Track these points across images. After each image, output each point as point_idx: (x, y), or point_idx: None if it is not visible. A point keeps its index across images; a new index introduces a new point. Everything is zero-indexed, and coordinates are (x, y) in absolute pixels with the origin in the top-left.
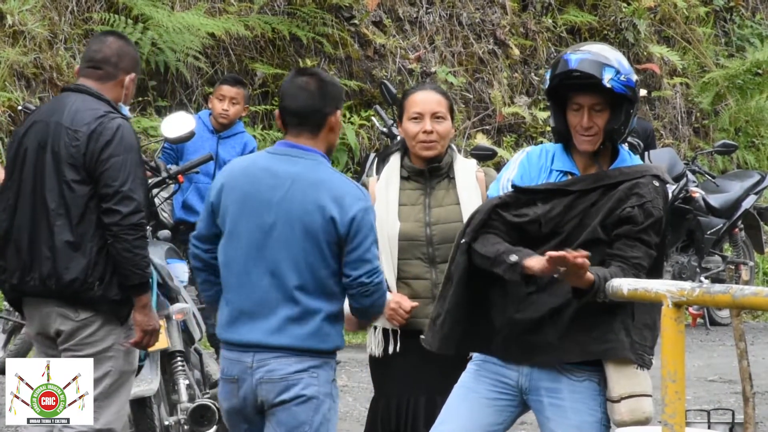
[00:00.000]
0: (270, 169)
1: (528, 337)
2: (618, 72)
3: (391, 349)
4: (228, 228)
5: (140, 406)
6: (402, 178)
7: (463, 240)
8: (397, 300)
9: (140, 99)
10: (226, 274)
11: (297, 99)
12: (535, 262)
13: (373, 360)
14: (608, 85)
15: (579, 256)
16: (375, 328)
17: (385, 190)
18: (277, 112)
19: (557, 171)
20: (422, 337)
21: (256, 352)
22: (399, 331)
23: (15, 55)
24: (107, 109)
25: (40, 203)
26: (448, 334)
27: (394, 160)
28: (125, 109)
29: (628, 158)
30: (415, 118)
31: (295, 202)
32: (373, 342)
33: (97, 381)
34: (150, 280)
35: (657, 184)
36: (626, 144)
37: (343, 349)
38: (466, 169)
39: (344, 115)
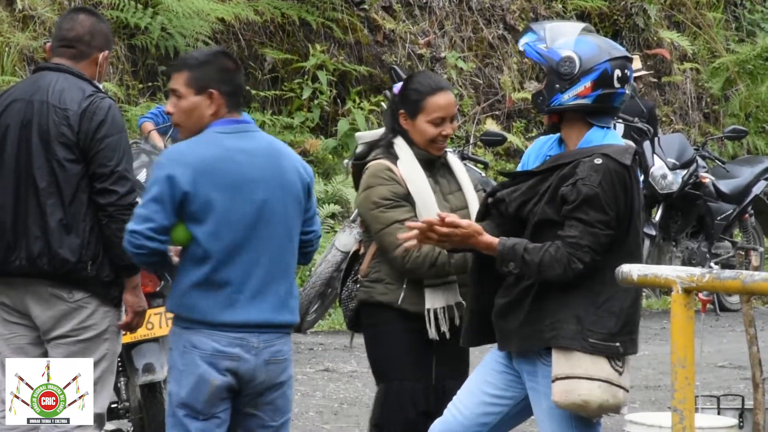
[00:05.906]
0: (243, 149)
1: (499, 323)
2: (540, 40)
3: (435, 332)
4: (216, 215)
5: (150, 391)
6: None
7: None
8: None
9: (150, 84)
10: (226, 260)
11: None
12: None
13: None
14: (521, 48)
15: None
16: (428, 310)
17: (412, 176)
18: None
19: (547, 155)
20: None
21: (261, 333)
22: (453, 314)
23: (25, 40)
24: (93, 89)
25: (27, 182)
26: (467, 327)
27: (405, 147)
28: (99, 87)
29: (595, 140)
30: (437, 123)
31: (279, 174)
32: (432, 324)
33: (95, 365)
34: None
35: (598, 161)
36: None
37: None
38: (453, 156)
39: (354, 101)
